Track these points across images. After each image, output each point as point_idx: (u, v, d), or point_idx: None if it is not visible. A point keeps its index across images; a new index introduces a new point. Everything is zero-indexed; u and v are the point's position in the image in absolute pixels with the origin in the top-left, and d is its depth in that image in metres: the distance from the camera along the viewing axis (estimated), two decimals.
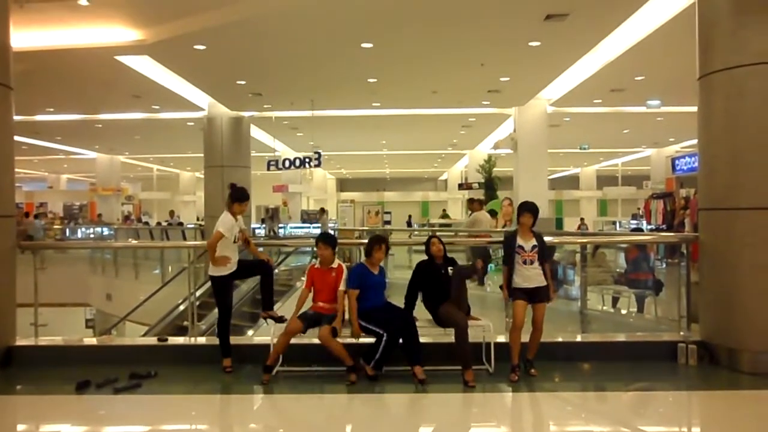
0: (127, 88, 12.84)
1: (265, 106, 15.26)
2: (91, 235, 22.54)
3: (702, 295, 5.86)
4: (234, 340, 5.79)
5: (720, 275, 5.60)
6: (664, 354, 5.74)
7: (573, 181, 36.49)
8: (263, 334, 7.32)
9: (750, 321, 5.34)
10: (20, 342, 6.03)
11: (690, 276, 6.22)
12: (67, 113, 16.14)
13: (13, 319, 6.03)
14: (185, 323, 8.25)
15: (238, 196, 5.50)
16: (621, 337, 6.60)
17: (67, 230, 24.63)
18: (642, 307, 8.18)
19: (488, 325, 5.49)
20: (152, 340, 6.57)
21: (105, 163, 26.15)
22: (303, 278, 5.61)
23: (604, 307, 8.52)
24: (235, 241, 5.50)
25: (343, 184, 41.33)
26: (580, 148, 22.95)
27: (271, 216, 21.22)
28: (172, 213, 25.14)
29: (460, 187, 25.01)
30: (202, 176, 20.33)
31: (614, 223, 28.64)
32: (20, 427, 4.68)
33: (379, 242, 5.43)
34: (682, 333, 6.08)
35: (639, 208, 25.80)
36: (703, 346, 5.64)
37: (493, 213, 17.12)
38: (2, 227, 5.95)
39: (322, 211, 17.84)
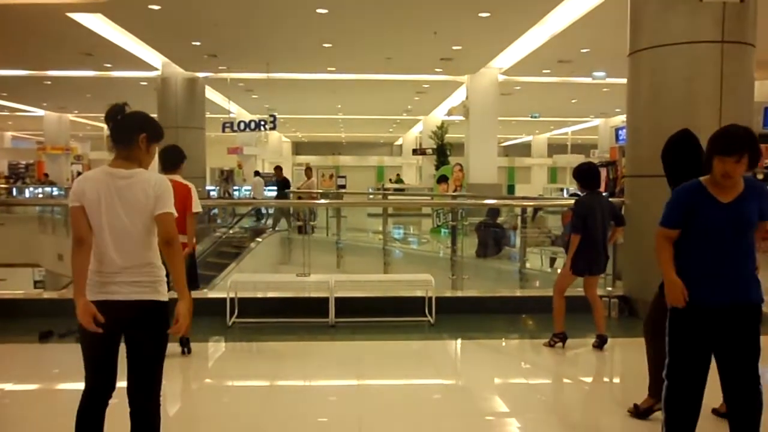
0: (78, 45, 12.64)
1: (221, 68, 15.22)
2: (40, 195, 22.13)
3: (625, 254, 6.45)
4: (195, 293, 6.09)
5: (640, 236, 6.17)
6: (590, 307, 6.31)
7: (526, 149, 37.35)
8: (220, 290, 7.65)
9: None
10: None
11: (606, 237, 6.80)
12: (13, 68, 15.73)
13: None
14: None
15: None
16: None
17: (14, 190, 24.07)
18: None
19: (431, 281, 5.96)
20: None
21: (53, 121, 25.46)
22: (259, 239, 5.82)
23: (543, 267, 9.13)
24: None
25: (298, 148, 41.21)
26: (531, 117, 23.61)
27: (226, 178, 21.26)
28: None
29: (415, 152, 25.45)
30: None
31: (562, 189, 29.64)
32: None
33: None
34: (608, 289, 6.68)
35: None
36: (625, 300, 6.24)
37: (444, 178, 17.69)
38: None
39: (278, 169, 17.26)
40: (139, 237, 2.64)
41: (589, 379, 4.91)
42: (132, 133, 2.74)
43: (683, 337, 2.82)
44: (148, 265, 2.66)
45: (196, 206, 4.75)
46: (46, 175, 25.68)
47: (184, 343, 4.82)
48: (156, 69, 15.27)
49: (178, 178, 4.63)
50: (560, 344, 5.15)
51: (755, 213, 2.77)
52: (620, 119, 24.40)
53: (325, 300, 5.80)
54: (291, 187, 16.83)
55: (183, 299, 2.66)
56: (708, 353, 2.79)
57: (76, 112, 25.66)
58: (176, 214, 2.73)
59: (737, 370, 2.78)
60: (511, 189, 33.07)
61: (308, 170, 16.90)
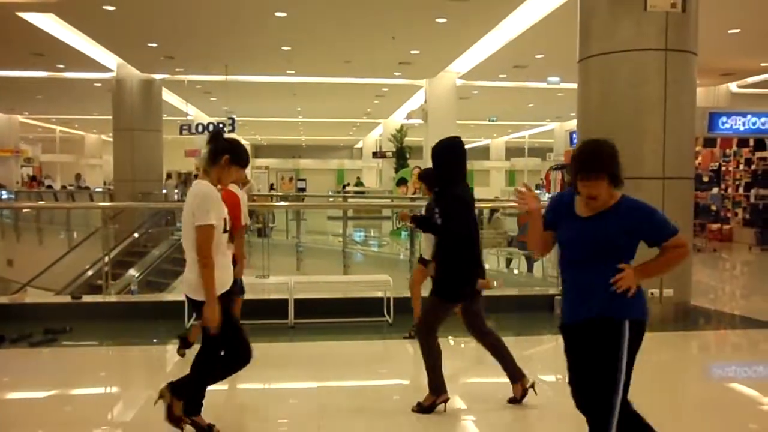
0: (29, 45, 12.33)
1: (178, 70, 15.05)
2: None
3: None
4: (155, 297, 6.05)
5: None
6: (544, 306, 6.51)
7: (484, 152, 37.86)
8: (178, 293, 7.58)
9: None
10: None
11: None
12: None
13: None
14: (99, 282, 8.32)
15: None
16: (509, 292, 7.36)
17: None
18: (531, 267, 9.03)
19: (389, 281, 6.05)
20: (66, 298, 6.72)
21: (2, 122, 24.69)
22: None
23: (500, 267, 9.33)
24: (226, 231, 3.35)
25: (258, 151, 40.89)
26: (489, 120, 23.99)
27: (184, 181, 20.98)
28: (78, 176, 24.25)
29: (375, 155, 25.56)
30: (110, 139, 19.75)
31: None
32: None
33: None
34: (559, 288, 6.88)
35: (542, 179, 27.31)
36: None
37: (403, 181, 17.85)
38: None
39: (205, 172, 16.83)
40: (187, 246, 3.18)
41: (546, 377, 5.05)
42: (218, 153, 3.24)
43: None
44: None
45: (244, 218, 4.75)
46: None
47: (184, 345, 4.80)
48: (111, 70, 14.99)
49: (231, 186, 4.50)
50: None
51: (617, 233, 2.55)
52: (575, 123, 25.02)
53: (285, 301, 5.84)
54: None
55: (206, 305, 3.11)
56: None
57: (26, 113, 24.96)
58: (216, 224, 3.14)
59: (590, 389, 2.63)
60: None
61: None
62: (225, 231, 3.25)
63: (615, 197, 2.60)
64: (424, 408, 3.74)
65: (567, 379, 2.76)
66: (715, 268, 10.57)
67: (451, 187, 3.78)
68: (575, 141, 16.84)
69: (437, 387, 3.74)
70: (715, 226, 13.06)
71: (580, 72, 6.42)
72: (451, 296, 3.79)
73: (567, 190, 2.72)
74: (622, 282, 2.53)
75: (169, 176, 19.19)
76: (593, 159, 2.52)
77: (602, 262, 2.57)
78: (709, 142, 13.19)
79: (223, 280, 3.21)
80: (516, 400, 3.86)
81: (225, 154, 3.25)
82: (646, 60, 5.87)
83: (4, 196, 21.15)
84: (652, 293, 5.89)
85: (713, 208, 13.24)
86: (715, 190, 13.40)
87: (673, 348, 5.64)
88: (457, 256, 3.73)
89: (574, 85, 6.66)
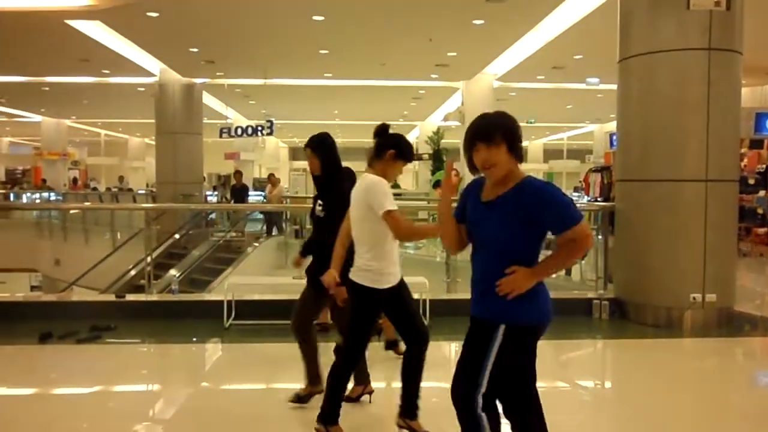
0: (76, 51, 12.73)
1: (218, 74, 15.32)
2: (37, 200, 22.18)
3: (616, 257, 6.56)
4: (195, 296, 6.17)
5: (631, 240, 6.28)
6: (582, 309, 6.42)
7: (523, 154, 37.43)
8: (218, 293, 7.73)
9: (655, 279, 6.04)
10: None
11: (608, 241, 6.93)
12: (12, 75, 15.81)
13: None
14: (141, 281, 8.53)
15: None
16: None
17: (11, 195, 24.11)
18: (569, 271, 8.89)
19: (425, 283, 6.05)
20: (110, 297, 6.91)
21: (51, 126, 25.51)
22: (255, 244, 5.85)
23: None
24: None
25: (295, 153, 41.27)
26: (527, 122, 23.74)
27: (223, 183, 21.33)
28: (121, 179, 24.88)
29: None
30: (152, 142, 20.24)
31: None
32: None
33: None
34: (599, 291, 6.78)
35: (580, 181, 26.90)
36: (615, 302, 6.34)
37: (439, 183, 17.75)
38: None
39: (239, 174, 16.20)
40: (356, 237, 3.31)
41: (584, 382, 5.00)
42: (384, 148, 3.32)
43: None
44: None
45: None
46: (44, 180, 25.74)
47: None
48: (154, 75, 15.36)
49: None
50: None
51: (512, 222, 2.31)
52: (615, 125, 24.57)
53: None
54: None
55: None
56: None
57: (73, 117, 25.74)
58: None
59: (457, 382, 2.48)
60: None
61: (271, 176, 16.05)
62: None
63: (517, 177, 2.36)
64: (302, 397, 3.79)
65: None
66: (761, 273, 10.26)
67: (337, 181, 3.79)
68: (615, 143, 16.55)
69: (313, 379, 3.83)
70: (761, 230, 12.63)
71: (620, 73, 6.33)
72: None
73: (479, 177, 2.49)
74: (504, 286, 2.31)
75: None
76: (490, 123, 2.35)
77: (496, 254, 2.35)
78: (756, 144, 12.79)
79: (394, 273, 3.29)
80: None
81: (390, 149, 3.31)
82: (688, 60, 5.76)
83: (53, 197, 21.84)
84: (694, 298, 5.77)
85: (760, 211, 12.82)
86: (762, 192, 12.98)
87: (716, 354, 5.51)
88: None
89: (614, 86, 6.57)
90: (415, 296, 6.09)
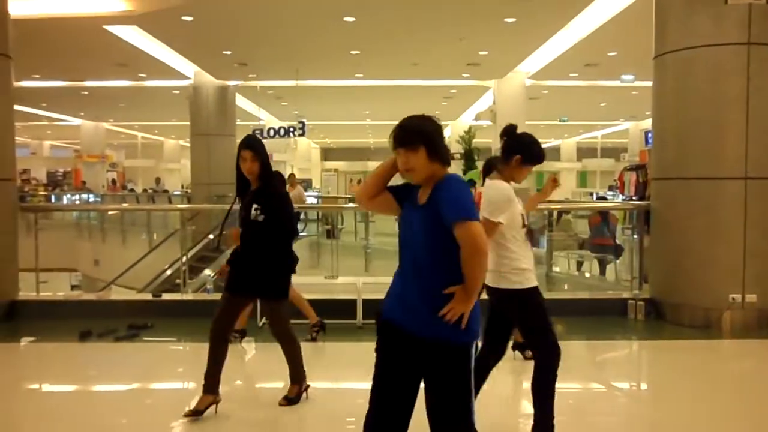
0: (114, 56, 13.03)
1: (251, 76, 15.51)
2: (77, 202, 22.74)
3: (651, 257, 6.44)
4: None
5: (667, 239, 6.16)
6: (617, 310, 6.32)
7: (554, 153, 37.04)
8: None
9: (692, 279, 5.92)
10: (23, 296, 6.48)
11: (643, 241, 6.81)
12: (53, 80, 16.26)
13: (15, 275, 6.47)
14: (177, 281, 8.69)
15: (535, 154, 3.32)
16: (580, 295, 7.20)
17: (53, 197, 24.77)
18: (604, 271, 8.78)
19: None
20: (147, 296, 7.06)
21: (90, 130, 26.14)
22: None
23: (570, 270, 9.13)
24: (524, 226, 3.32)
25: (327, 154, 41.56)
26: (560, 121, 23.47)
27: None
28: (158, 180, 25.32)
29: None
30: (187, 144, 20.56)
31: (591, 194, 29.35)
32: (31, 369, 5.16)
33: None
34: (635, 292, 6.67)
35: (615, 180, 26.48)
36: (651, 303, 6.23)
37: (471, 182, 17.65)
38: (4, 190, 6.35)
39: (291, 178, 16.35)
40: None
41: (619, 384, 4.92)
42: (510, 153, 3.25)
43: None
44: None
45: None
46: (83, 182, 26.38)
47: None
48: (188, 78, 15.62)
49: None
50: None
51: (432, 220, 2.23)
52: (650, 122, 24.10)
53: (353, 302, 5.92)
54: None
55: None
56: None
57: (111, 120, 26.33)
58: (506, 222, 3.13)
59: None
60: None
61: (291, 176, 16.27)
62: (523, 226, 3.23)
63: (438, 177, 2.30)
64: (291, 398, 3.85)
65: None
66: None
67: (273, 181, 3.77)
68: (650, 140, 16.24)
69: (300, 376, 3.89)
70: None
71: (656, 69, 6.22)
72: (285, 292, 3.80)
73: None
74: (452, 313, 2.18)
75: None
76: (409, 127, 2.32)
77: (432, 258, 2.24)
78: None
79: (530, 275, 3.22)
80: (199, 412, 3.61)
81: (516, 154, 3.23)
82: (726, 55, 5.63)
83: (92, 199, 22.36)
84: (733, 298, 5.64)
85: None
86: None
87: (756, 357, 5.37)
88: (281, 251, 3.73)
89: (649, 83, 6.46)
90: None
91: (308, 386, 3.96)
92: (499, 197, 3.15)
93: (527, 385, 3.24)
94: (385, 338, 2.36)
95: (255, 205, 3.64)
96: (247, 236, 3.69)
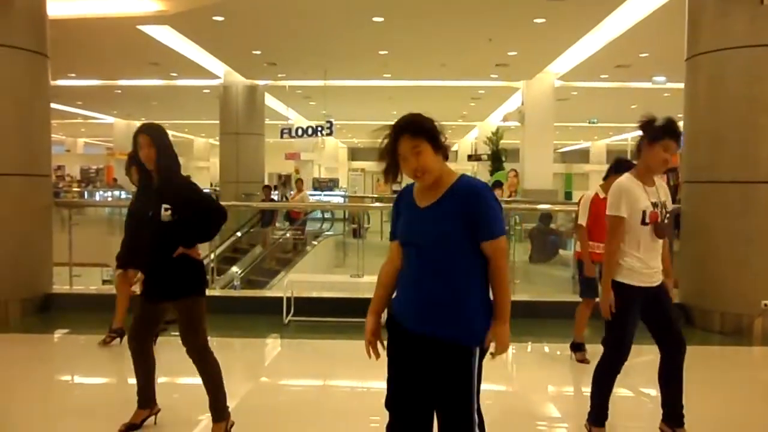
0: (146, 55, 13.28)
1: (280, 76, 15.66)
2: (109, 198, 23.18)
3: (681, 261, 6.34)
4: (256, 292, 6.34)
5: (697, 243, 6.07)
6: None
7: (584, 155, 36.64)
8: (278, 290, 7.90)
9: (723, 285, 5.83)
10: (57, 290, 6.64)
11: (672, 245, 6.69)
12: (88, 79, 16.63)
13: (50, 268, 6.64)
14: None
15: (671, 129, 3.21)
16: None
17: (85, 193, 25.29)
18: None
19: None
20: None
21: (122, 128, 26.66)
22: (315, 242, 5.96)
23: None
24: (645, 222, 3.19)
25: (354, 153, 41.68)
26: (589, 122, 23.20)
27: (284, 182, 21.76)
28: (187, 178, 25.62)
29: (470, 158, 25.38)
30: (216, 143, 20.82)
31: None
32: (64, 361, 5.29)
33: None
34: None
35: None
36: (681, 308, 6.13)
37: (499, 184, 17.59)
38: (40, 186, 6.52)
39: (298, 183, 16.31)
40: None
41: (646, 389, 4.86)
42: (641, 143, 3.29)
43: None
44: None
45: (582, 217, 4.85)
46: (115, 179, 26.89)
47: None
48: (218, 77, 15.83)
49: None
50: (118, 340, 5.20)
51: (450, 221, 2.16)
52: (682, 124, 23.65)
53: None
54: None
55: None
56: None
57: (143, 119, 26.76)
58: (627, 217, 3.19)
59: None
60: (568, 195, 32.50)
61: (299, 182, 16.27)
62: (644, 223, 3.18)
63: (451, 176, 2.25)
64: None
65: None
66: None
67: (177, 175, 3.39)
68: (682, 143, 15.97)
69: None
70: None
71: (688, 70, 6.14)
72: (203, 287, 3.43)
73: (408, 185, 2.40)
74: (500, 348, 2.21)
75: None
76: (408, 122, 2.31)
77: (440, 262, 2.18)
78: None
79: (641, 274, 3.22)
80: (136, 426, 3.53)
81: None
82: (761, 56, 5.54)
83: (123, 196, 22.77)
84: (765, 304, 5.53)
85: None
86: None
87: None
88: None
89: (681, 85, 6.37)
90: None
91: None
92: (615, 192, 3.26)
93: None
94: (394, 338, 2.35)
95: (165, 206, 3.24)
96: (160, 239, 3.28)
